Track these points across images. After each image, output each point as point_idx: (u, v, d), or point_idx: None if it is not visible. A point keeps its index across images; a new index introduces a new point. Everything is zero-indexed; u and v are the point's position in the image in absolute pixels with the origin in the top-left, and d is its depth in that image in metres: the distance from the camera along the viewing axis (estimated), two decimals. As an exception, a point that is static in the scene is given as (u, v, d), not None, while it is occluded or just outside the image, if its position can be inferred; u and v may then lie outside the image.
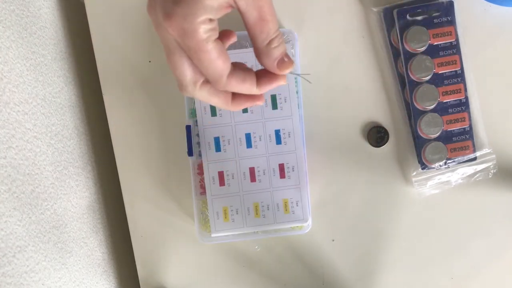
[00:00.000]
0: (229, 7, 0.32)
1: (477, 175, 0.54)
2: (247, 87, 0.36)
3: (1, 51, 0.41)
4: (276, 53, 0.34)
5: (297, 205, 0.53)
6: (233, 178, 0.53)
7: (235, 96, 0.37)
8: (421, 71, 0.52)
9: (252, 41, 0.34)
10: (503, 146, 0.55)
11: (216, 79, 0.34)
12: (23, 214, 0.40)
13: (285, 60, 0.35)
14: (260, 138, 0.53)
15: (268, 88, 0.36)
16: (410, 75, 0.53)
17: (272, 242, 0.56)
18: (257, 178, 0.53)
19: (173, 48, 0.34)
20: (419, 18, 0.53)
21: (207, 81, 0.35)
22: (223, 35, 0.36)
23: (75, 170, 0.53)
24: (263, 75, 0.36)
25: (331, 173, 0.56)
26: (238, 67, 0.36)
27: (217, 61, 0.33)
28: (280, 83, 0.36)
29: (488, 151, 0.54)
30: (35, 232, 0.42)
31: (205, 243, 0.55)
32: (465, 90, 0.53)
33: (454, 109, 0.53)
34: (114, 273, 0.59)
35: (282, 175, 0.53)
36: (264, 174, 0.53)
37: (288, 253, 0.57)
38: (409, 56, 0.53)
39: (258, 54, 0.35)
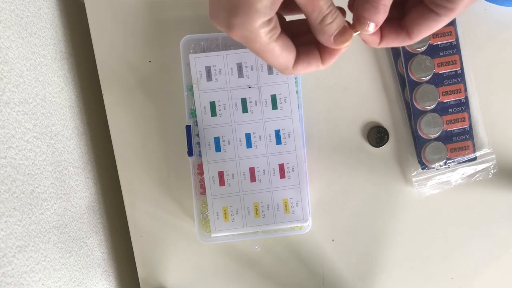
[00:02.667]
0: None
1: (477, 175, 0.54)
2: (313, 68, 0.36)
3: (1, 51, 0.41)
4: (331, 29, 0.34)
5: (297, 205, 0.53)
6: (233, 178, 0.53)
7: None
8: (421, 71, 0.52)
9: (307, 19, 0.34)
10: (503, 146, 0.55)
11: (282, 70, 0.36)
12: (23, 214, 0.40)
13: (342, 33, 0.35)
14: (260, 138, 0.53)
15: (333, 61, 0.37)
16: (410, 75, 0.53)
17: (272, 242, 0.56)
18: (257, 178, 0.53)
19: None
20: (419, 18, 0.52)
21: (297, 59, 0.36)
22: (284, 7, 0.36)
23: (75, 170, 0.53)
24: (325, 51, 0.36)
25: (331, 173, 0.56)
26: (300, 53, 0.36)
27: (280, 56, 0.34)
28: (342, 49, 0.36)
29: (488, 151, 0.54)
30: (35, 232, 0.42)
31: (205, 243, 0.55)
32: (465, 90, 0.53)
33: (454, 109, 0.53)
34: (114, 273, 0.59)
35: (282, 175, 0.53)
36: (264, 174, 0.53)
37: (288, 253, 0.57)
38: (409, 56, 0.53)
39: (314, 32, 0.35)
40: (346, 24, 0.35)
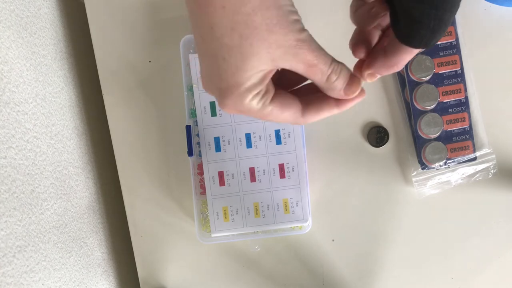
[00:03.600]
0: (272, 72, 0.33)
1: (477, 175, 0.54)
2: (326, 114, 0.36)
3: (1, 51, 0.41)
4: (338, 85, 0.35)
5: (297, 205, 0.53)
6: (233, 178, 0.53)
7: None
8: (421, 71, 0.52)
9: (315, 83, 0.35)
10: (503, 146, 0.55)
11: (293, 123, 0.36)
12: (23, 214, 0.40)
13: (350, 85, 0.35)
14: (260, 138, 0.53)
15: (350, 106, 0.37)
16: (410, 75, 0.53)
17: (272, 242, 0.56)
18: (257, 178, 0.53)
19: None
20: (419, 18, 0.53)
21: (304, 110, 0.36)
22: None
23: (75, 170, 0.53)
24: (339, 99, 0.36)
25: (331, 173, 0.56)
26: (310, 102, 0.36)
27: (282, 115, 0.35)
28: (359, 99, 0.36)
29: (488, 151, 0.54)
30: (35, 232, 0.42)
31: (205, 243, 0.55)
32: (465, 90, 0.53)
33: (454, 109, 0.53)
34: (114, 273, 0.59)
35: (282, 175, 0.53)
36: (264, 174, 0.53)
37: (288, 253, 0.57)
38: (409, 56, 0.53)
39: (323, 90, 0.35)
40: (351, 73, 0.35)
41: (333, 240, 0.56)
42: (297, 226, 0.54)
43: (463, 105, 0.53)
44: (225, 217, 0.53)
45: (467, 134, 0.53)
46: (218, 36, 0.31)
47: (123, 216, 0.58)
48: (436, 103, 0.53)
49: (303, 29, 0.32)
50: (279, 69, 0.34)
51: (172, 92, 0.56)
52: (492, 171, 0.54)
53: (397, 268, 0.56)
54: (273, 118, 0.34)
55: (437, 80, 0.53)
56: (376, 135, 0.55)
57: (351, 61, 0.55)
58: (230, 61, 0.31)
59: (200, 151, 0.53)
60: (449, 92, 0.53)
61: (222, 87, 0.32)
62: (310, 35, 0.33)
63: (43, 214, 0.44)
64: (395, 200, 0.56)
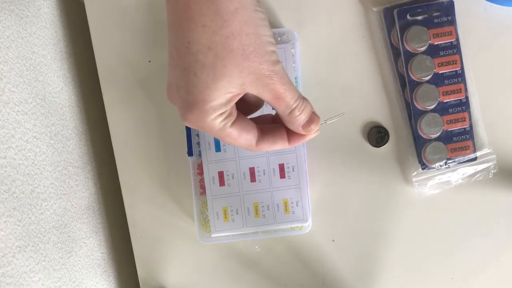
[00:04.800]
0: (239, 95, 0.33)
1: (478, 175, 0.54)
2: (279, 146, 0.38)
3: (1, 51, 0.41)
4: (299, 120, 0.36)
5: (297, 205, 0.53)
6: (233, 178, 0.53)
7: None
8: (422, 71, 0.52)
9: (277, 113, 0.36)
10: (503, 146, 0.55)
11: (247, 149, 0.37)
12: (23, 214, 0.40)
13: (310, 122, 0.37)
14: (260, 138, 0.53)
15: (301, 143, 0.38)
16: (411, 75, 0.53)
17: (272, 242, 0.56)
18: (257, 178, 0.53)
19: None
20: (420, 18, 0.52)
21: (260, 138, 0.37)
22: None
23: (74, 170, 0.53)
24: (293, 134, 0.38)
25: (331, 173, 0.56)
26: (266, 132, 0.37)
27: (239, 139, 0.36)
28: (312, 136, 0.38)
29: (489, 151, 0.54)
30: (34, 232, 0.42)
31: (205, 243, 0.55)
32: (466, 90, 0.53)
33: (455, 109, 0.53)
34: (114, 273, 0.59)
35: (282, 175, 0.53)
36: (264, 174, 0.53)
37: (288, 253, 0.57)
38: (410, 56, 0.53)
39: (283, 121, 0.37)
40: (313, 111, 0.37)
41: (333, 240, 0.56)
42: (297, 226, 0.54)
43: (464, 105, 0.53)
44: (225, 217, 0.53)
45: (468, 134, 0.53)
46: (194, 51, 0.31)
47: (123, 216, 0.58)
48: (436, 103, 0.53)
49: (277, 61, 0.33)
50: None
51: (172, 92, 0.56)
52: (492, 171, 0.54)
53: (397, 268, 0.56)
54: (230, 140, 0.35)
55: (438, 80, 0.53)
56: (376, 135, 0.55)
57: (349, 61, 0.56)
58: (201, 78, 0.32)
59: (200, 151, 0.53)
60: (449, 92, 0.53)
61: (188, 100, 0.33)
62: (283, 68, 0.34)
63: (43, 214, 0.44)
64: (395, 200, 0.55)
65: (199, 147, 0.53)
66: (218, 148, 0.53)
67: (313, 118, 0.37)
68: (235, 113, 0.35)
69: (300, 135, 0.38)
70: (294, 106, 0.35)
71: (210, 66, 0.31)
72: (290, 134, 0.38)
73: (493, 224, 0.55)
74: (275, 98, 0.34)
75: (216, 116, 0.33)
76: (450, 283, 0.56)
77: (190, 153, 0.52)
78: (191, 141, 0.52)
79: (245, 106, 0.38)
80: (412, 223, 0.56)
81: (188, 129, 0.52)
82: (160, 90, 0.56)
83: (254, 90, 0.33)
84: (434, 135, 0.53)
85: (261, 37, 0.31)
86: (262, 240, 0.56)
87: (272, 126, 0.38)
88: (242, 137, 0.36)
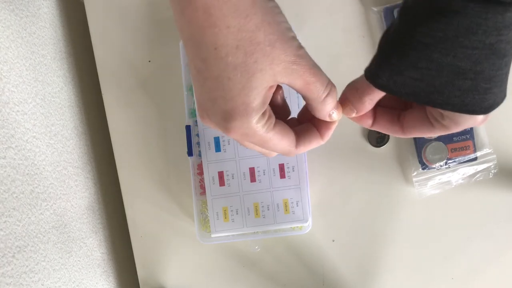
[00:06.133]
0: (272, 87, 0.33)
1: (478, 175, 0.54)
2: (315, 145, 0.37)
3: (1, 51, 0.41)
4: (330, 107, 0.35)
5: (297, 205, 0.53)
6: (233, 178, 0.53)
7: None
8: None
9: (306, 101, 0.36)
10: (503, 146, 0.55)
11: (286, 154, 0.37)
12: (23, 214, 0.40)
13: (339, 108, 0.36)
14: (260, 138, 0.53)
15: (331, 133, 0.38)
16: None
17: (272, 242, 0.56)
18: (257, 178, 0.53)
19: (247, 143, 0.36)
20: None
21: (297, 141, 0.37)
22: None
23: (74, 170, 0.53)
24: (322, 126, 0.38)
25: (331, 173, 0.56)
26: (300, 133, 0.37)
27: (281, 143, 0.35)
28: (335, 125, 0.38)
29: (489, 151, 0.54)
30: (34, 232, 0.42)
31: (205, 243, 0.55)
32: (466, 90, 0.53)
33: (455, 109, 0.53)
34: (113, 273, 0.59)
35: (282, 175, 0.53)
36: (264, 174, 0.53)
37: (288, 253, 0.57)
38: (410, 56, 0.53)
39: (312, 110, 0.36)
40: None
41: (333, 240, 0.56)
42: (297, 226, 0.53)
43: (464, 105, 0.53)
44: (225, 217, 0.53)
45: (468, 134, 0.53)
46: (223, 55, 0.31)
47: (123, 216, 0.58)
48: (437, 103, 0.52)
49: (300, 46, 0.33)
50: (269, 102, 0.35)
51: (172, 92, 0.56)
52: (492, 171, 0.54)
53: (397, 268, 0.56)
54: (272, 145, 0.35)
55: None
56: (377, 135, 0.55)
57: (349, 61, 0.56)
58: (235, 80, 0.31)
59: (200, 151, 0.53)
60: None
61: (228, 108, 0.32)
62: (307, 53, 0.33)
63: (43, 214, 0.44)
64: (396, 200, 0.55)
65: (199, 147, 0.53)
66: (218, 148, 0.53)
67: (338, 107, 0.36)
68: (273, 116, 0.35)
69: (327, 125, 0.37)
70: (327, 91, 0.34)
71: (242, 65, 0.31)
72: (319, 129, 0.38)
73: (493, 224, 0.55)
74: (306, 84, 0.33)
75: (259, 118, 0.33)
76: (450, 283, 0.56)
77: (190, 153, 0.52)
78: (191, 141, 0.52)
79: (274, 112, 0.37)
80: (412, 223, 0.56)
81: (188, 129, 0.52)
82: (160, 90, 0.56)
83: (285, 79, 0.32)
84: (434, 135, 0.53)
85: (280, 24, 0.31)
86: (262, 240, 0.56)
87: (302, 126, 0.38)
88: (283, 142, 0.35)
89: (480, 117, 0.34)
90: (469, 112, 0.32)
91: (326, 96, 0.34)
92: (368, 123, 0.38)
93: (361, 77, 0.36)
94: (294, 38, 0.32)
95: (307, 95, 0.34)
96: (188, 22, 0.31)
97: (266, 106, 0.33)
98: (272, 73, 0.32)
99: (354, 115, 0.37)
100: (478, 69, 0.30)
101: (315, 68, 0.33)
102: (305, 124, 0.38)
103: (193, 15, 0.30)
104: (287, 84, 0.33)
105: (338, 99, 0.36)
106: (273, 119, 0.34)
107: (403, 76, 0.31)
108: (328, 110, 0.35)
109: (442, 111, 0.33)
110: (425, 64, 0.30)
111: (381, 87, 0.33)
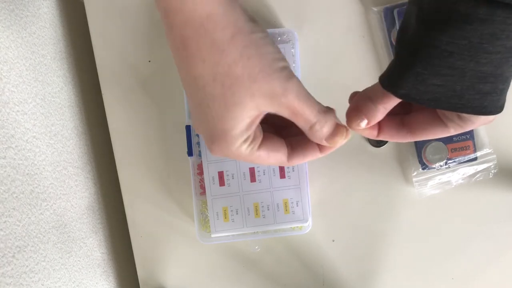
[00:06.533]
0: (259, 116, 0.33)
1: (478, 175, 0.54)
2: (310, 158, 0.37)
3: (1, 51, 0.41)
4: (321, 135, 0.34)
5: (297, 205, 0.53)
6: (233, 178, 0.53)
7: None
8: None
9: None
10: (503, 146, 0.55)
11: (278, 165, 0.37)
12: (23, 214, 0.40)
13: (334, 135, 0.35)
14: (260, 138, 0.53)
15: (332, 150, 0.37)
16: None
17: (272, 242, 0.56)
18: (257, 178, 0.53)
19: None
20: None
21: (290, 154, 0.37)
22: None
23: (74, 170, 0.53)
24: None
25: (331, 173, 0.56)
26: (296, 145, 0.36)
27: (268, 160, 0.35)
28: (339, 144, 0.36)
29: (489, 151, 0.54)
30: (34, 232, 0.42)
31: (205, 243, 0.55)
32: (466, 90, 0.53)
33: (455, 109, 0.53)
34: (113, 273, 0.59)
35: (282, 175, 0.53)
36: (264, 174, 0.53)
37: (288, 253, 0.57)
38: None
39: (307, 135, 0.35)
40: (338, 123, 0.35)
41: (333, 240, 0.56)
42: (297, 226, 0.53)
43: (464, 105, 0.53)
44: (225, 217, 0.53)
45: (468, 134, 0.53)
46: (200, 86, 0.31)
47: (123, 216, 0.58)
48: (437, 103, 0.52)
49: (290, 77, 0.32)
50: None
51: (172, 92, 0.56)
52: (492, 171, 0.54)
53: (397, 268, 0.56)
54: (260, 162, 0.35)
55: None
56: (377, 135, 0.55)
57: (349, 61, 0.56)
58: (214, 109, 0.31)
59: (200, 151, 0.53)
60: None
61: (209, 132, 0.33)
62: (297, 83, 0.32)
63: (43, 214, 0.44)
64: (396, 200, 0.55)
65: (199, 147, 0.53)
66: (218, 148, 0.53)
67: (337, 130, 0.35)
68: (260, 135, 0.34)
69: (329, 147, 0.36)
70: (314, 121, 0.33)
71: (220, 97, 0.31)
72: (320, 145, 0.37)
73: (494, 224, 0.55)
74: (293, 114, 0.33)
75: (240, 143, 0.33)
76: (450, 283, 0.56)
77: (190, 153, 0.52)
78: (191, 141, 0.52)
79: (273, 121, 0.37)
80: (412, 223, 0.55)
81: (188, 129, 0.52)
82: (160, 90, 0.56)
83: (270, 109, 0.32)
84: (434, 135, 0.53)
85: (265, 56, 0.31)
86: (262, 240, 0.56)
87: (301, 138, 0.37)
88: (272, 157, 0.35)
89: (492, 116, 0.33)
90: (487, 113, 0.32)
91: (314, 124, 0.33)
92: (374, 134, 0.37)
93: (374, 86, 0.35)
94: (282, 68, 0.31)
95: (295, 123, 0.34)
96: (171, 46, 0.31)
97: (251, 131, 0.33)
98: (253, 105, 0.31)
99: (363, 126, 0.36)
100: (498, 72, 0.30)
101: (303, 99, 0.32)
102: (304, 135, 0.37)
103: (173, 42, 0.31)
104: (273, 113, 0.33)
105: (336, 124, 0.35)
106: (259, 139, 0.34)
107: (426, 84, 0.31)
108: (320, 138, 0.35)
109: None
110: (448, 71, 0.30)
111: (403, 96, 0.32)
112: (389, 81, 0.33)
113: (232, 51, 0.30)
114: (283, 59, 0.32)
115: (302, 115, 0.33)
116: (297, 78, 0.32)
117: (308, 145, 0.36)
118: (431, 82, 0.31)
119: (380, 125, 0.37)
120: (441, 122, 0.35)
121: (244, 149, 0.33)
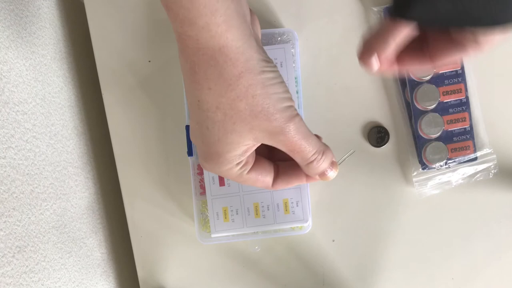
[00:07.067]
0: (255, 145, 0.34)
1: (478, 175, 0.54)
2: (294, 184, 0.39)
3: (1, 51, 0.41)
4: (317, 171, 0.36)
5: (297, 205, 0.53)
6: (233, 178, 0.53)
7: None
8: (422, 71, 0.52)
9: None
10: (503, 146, 0.55)
11: (264, 189, 0.39)
12: (23, 214, 0.40)
13: (328, 172, 0.37)
14: (260, 138, 0.53)
15: (316, 180, 0.38)
16: (411, 75, 0.53)
17: (272, 242, 0.56)
18: (257, 178, 0.53)
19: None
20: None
21: (275, 178, 0.38)
22: None
23: (74, 170, 0.53)
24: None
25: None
26: (282, 171, 0.38)
27: (256, 183, 0.37)
28: (330, 179, 0.38)
29: (489, 151, 0.54)
30: (34, 232, 0.42)
31: (205, 244, 0.55)
32: (466, 90, 0.53)
33: (455, 109, 0.53)
34: (113, 273, 0.59)
35: (282, 175, 0.53)
36: (264, 174, 0.53)
37: (288, 253, 0.57)
38: (410, 56, 0.53)
39: (301, 166, 0.37)
40: (333, 160, 0.37)
41: (333, 241, 0.56)
42: (297, 227, 0.53)
43: (464, 105, 0.53)
44: (225, 218, 0.53)
45: (468, 134, 0.53)
46: (204, 109, 0.32)
47: (123, 216, 0.58)
48: (437, 103, 0.53)
49: (292, 116, 0.33)
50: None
51: (172, 92, 0.56)
52: (493, 171, 0.54)
53: (398, 268, 0.56)
54: (247, 184, 0.37)
55: (438, 79, 0.53)
56: (377, 135, 0.55)
57: (349, 61, 0.56)
58: (212, 132, 0.33)
59: (200, 151, 0.53)
60: (449, 92, 0.53)
61: (204, 150, 0.34)
62: (298, 122, 0.33)
63: (43, 214, 0.44)
64: (396, 200, 0.55)
65: (199, 147, 0.53)
66: (218, 148, 0.53)
67: (332, 166, 0.37)
68: (252, 160, 0.36)
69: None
70: (312, 159, 0.35)
71: (220, 122, 0.32)
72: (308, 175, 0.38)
73: (494, 224, 0.55)
74: (291, 151, 0.34)
75: (232, 166, 0.34)
76: (450, 283, 0.56)
77: (190, 153, 0.52)
78: (191, 141, 0.52)
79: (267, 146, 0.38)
80: (412, 223, 0.55)
81: (188, 129, 0.52)
82: (160, 90, 0.56)
83: (268, 143, 0.34)
84: (434, 135, 0.53)
85: (270, 96, 0.32)
86: (262, 240, 0.56)
87: (288, 164, 0.38)
88: (259, 181, 0.37)
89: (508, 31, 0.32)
90: (499, 24, 0.31)
91: (312, 162, 0.35)
92: (394, 69, 0.37)
93: (379, 24, 0.35)
94: (286, 108, 0.32)
95: (294, 157, 0.35)
96: (181, 65, 0.32)
97: (244, 157, 0.34)
98: (251, 137, 0.33)
99: (376, 66, 0.35)
100: None
101: (302, 138, 0.34)
102: (293, 162, 0.38)
103: (183, 63, 0.32)
104: (271, 146, 0.34)
105: (332, 162, 0.37)
106: (250, 164, 0.36)
107: (433, 3, 0.30)
108: (314, 173, 0.36)
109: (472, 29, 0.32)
110: None
111: (412, 19, 0.31)
112: (396, 7, 0.32)
113: (238, 87, 0.31)
114: (289, 98, 0.33)
115: (300, 153, 0.34)
116: (299, 117, 0.34)
117: (296, 172, 0.38)
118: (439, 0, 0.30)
119: (401, 59, 0.37)
120: (459, 44, 0.34)
121: (235, 171, 0.35)
